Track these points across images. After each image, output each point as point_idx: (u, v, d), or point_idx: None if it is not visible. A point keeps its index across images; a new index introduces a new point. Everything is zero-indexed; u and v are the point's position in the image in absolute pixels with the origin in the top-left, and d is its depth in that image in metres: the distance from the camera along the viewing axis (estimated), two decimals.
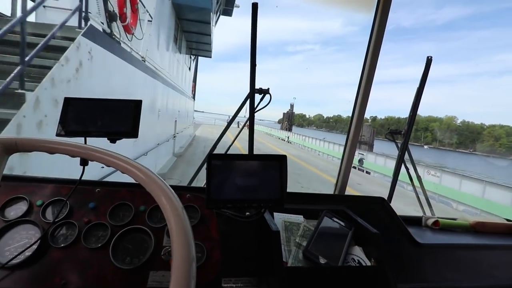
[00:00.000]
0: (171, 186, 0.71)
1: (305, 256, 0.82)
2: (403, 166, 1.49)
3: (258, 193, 0.69)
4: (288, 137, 25.19)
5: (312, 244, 0.84)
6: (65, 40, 2.72)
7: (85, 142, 0.66)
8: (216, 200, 0.66)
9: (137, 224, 0.78)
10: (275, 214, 0.93)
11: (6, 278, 0.65)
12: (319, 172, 10.78)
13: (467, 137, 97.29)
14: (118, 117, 0.71)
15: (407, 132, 1.46)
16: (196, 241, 0.77)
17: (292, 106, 36.00)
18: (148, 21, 5.34)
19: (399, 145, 1.49)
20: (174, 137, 9.72)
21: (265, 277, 0.77)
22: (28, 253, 0.67)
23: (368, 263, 0.83)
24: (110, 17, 3.40)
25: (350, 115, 1.31)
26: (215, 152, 1.03)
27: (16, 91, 2.14)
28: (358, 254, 0.86)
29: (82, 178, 0.70)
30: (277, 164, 0.70)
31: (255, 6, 1.08)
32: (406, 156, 1.48)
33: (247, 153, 1.02)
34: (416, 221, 1.26)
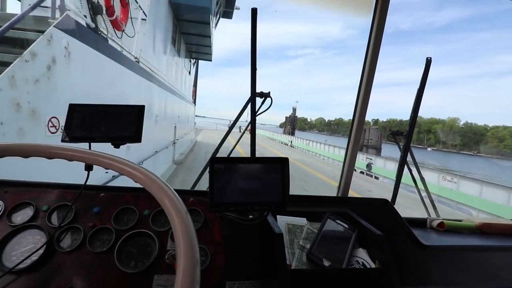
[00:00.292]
0: (174, 189, 0.68)
1: (309, 258, 0.81)
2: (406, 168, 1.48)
3: (260, 196, 0.68)
4: (291, 142, 24.68)
5: (316, 247, 0.83)
6: (35, 32, 2.28)
7: (90, 148, 0.61)
8: (219, 204, 0.66)
9: (141, 228, 0.78)
10: (278, 217, 0.93)
11: (13, 282, 0.65)
12: (326, 179, 10.25)
13: (470, 139, 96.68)
14: (122, 123, 0.71)
15: (408, 134, 1.45)
16: (200, 245, 0.72)
17: (294, 109, 35.54)
18: (142, 19, 4.92)
19: (401, 147, 1.49)
20: (174, 143, 9.28)
21: (269, 280, 0.77)
22: (34, 257, 0.68)
23: (373, 265, 0.82)
24: (94, 9, 2.96)
25: (351, 118, 1.31)
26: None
27: None
28: (362, 256, 0.85)
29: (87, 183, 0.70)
30: (279, 166, 0.70)
31: (254, 12, 1.09)
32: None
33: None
34: (421, 223, 1.24)
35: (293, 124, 33.04)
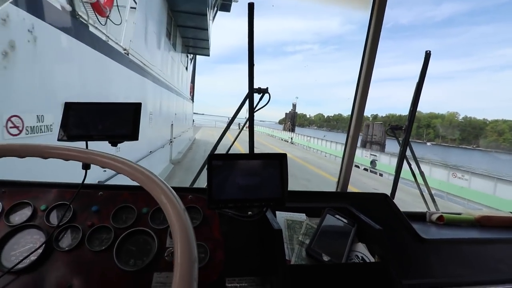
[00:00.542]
0: (173, 187, 0.69)
1: (308, 254, 0.82)
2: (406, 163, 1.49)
3: (259, 192, 0.68)
4: (291, 138, 24.26)
5: (315, 242, 0.83)
6: None
7: (87, 146, 0.65)
8: (217, 200, 0.66)
9: (140, 226, 0.78)
10: (278, 213, 0.93)
11: (12, 282, 0.65)
12: (330, 177, 9.86)
13: (469, 133, 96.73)
14: (118, 120, 0.71)
15: (408, 128, 1.46)
16: (199, 242, 0.77)
17: (294, 105, 34.98)
18: (131, 8, 4.45)
19: (401, 142, 1.50)
20: (171, 142, 8.86)
21: (268, 276, 0.77)
22: (33, 257, 0.68)
23: (372, 260, 0.83)
24: None
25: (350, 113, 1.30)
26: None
27: None
28: (362, 250, 0.85)
29: (85, 182, 0.70)
30: (277, 162, 0.70)
31: (251, 6, 1.08)
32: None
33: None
34: (420, 217, 1.25)
35: (293, 121, 32.54)
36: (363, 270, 0.78)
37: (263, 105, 1.28)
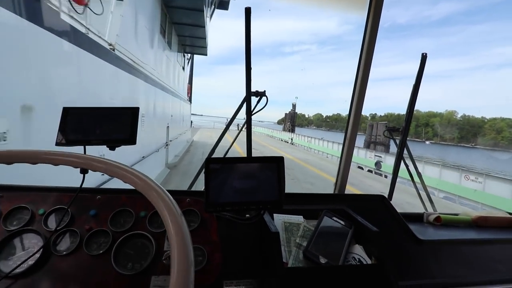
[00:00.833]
0: (171, 190, 0.81)
1: (306, 256, 0.81)
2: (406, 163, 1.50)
3: (256, 195, 0.69)
4: (291, 139, 23.77)
5: (312, 244, 0.83)
6: None
7: (85, 151, 0.67)
8: (215, 204, 0.66)
9: (138, 230, 0.78)
10: (275, 215, 0.92)
11: (10, 287, 0.65)
12: (334, 180, 9.39)
13: (468, 131, 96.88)
14: (116, 125, 0.71)
15: (405, 129, 1.47)
16: (197, 245, 0.77)
17: (294, 106, 34.48)
18: None
19: (398, 143, 1.51)
20: (167, 145, 8.39)
21: (266, 279, 0.77)
22: (31, 261, 0.67)
23: (369, 262, 0.82)
24: None
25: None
26: (214, 156, 1.01)
27: None
28: (359, 252, 0.85)
29: (83, 186, 0.70)
30: (274, 165, 0.70)
31: (248, 11, 1.09)
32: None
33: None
34: (417, 218, 1.25)
35: (293, 121, 32.06)
36: (360, 272, 0.78)
37: (260, 108, 1.27)
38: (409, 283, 0.89)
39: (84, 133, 0.70)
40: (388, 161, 11.63)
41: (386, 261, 0.78)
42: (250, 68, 1.15)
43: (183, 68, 13.29)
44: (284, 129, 32.30)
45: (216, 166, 0.67)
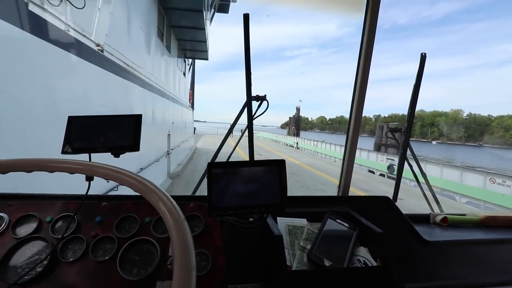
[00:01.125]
0: (175, 196, 0.80)
1: (310, 259, 0.81)
2: (407, 164, 1.49)
3: (259, 199, 0.69)
4: (297, 143, 23.19)
5: (317, 247, 0.83)
6: None
7: (90, 158, 0.66)
8: (218, 208, 0.66)
9: (143, 236, 0.78)
10: (279, 218, 0.92)
11: None
12: (354, 190, 8.83)
13: (475, 130, 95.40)
14: (120, 132, 0.73)
15: (407, 129, 1.47)
16: (201, 249, 0.78)
17: (298, 109, 34.04)
18: None
19: (400, 143, 1.50)
20: (168, 154, 7.96)
21: (270, 283, 0.77)
22: (39, 269, 0.68)
23: (374, 264, 0.81)
24: None
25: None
26: (218, 161, 1.00)
27: None
28: (364, 255, 0.84)
29: (89, 193, 0.70)
30: (276, 168, 0.71)
31: (246, 17, 1.10)
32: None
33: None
34: (424, 219, 1.23)
35: (297, 125, 31.59)
36: (365, 274, 0.76)
37: (261, 112, 1.29)
38: (416, 285, 0.88)
39: (88, 141, 0.71)
40: None
41: (392, 263, 0.77)
42: (250, 73, 1.16)
43: (184, 74, 12.94)
44: (288, 133, 31.83)
45: (218, 171, 0.68)
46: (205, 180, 0.74)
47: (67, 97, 2.63)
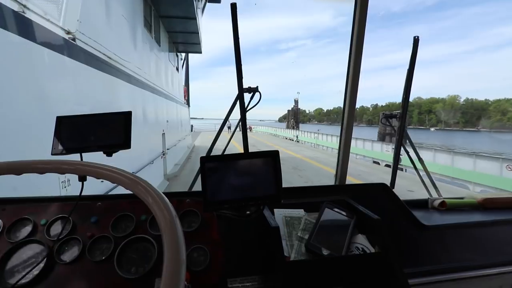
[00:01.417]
0: (171, 192, 0.91)
1: (308, 249, 0.81)
2: (404, 152, 1.52)
3: (254, 191, 0.68)
4: (297, 136, 22.74)
5: (314, 237, 0.83)
6: None
7: (81, 158, 0.67)
8: (213, 203, 0.66)
9: (140, 234, 0.78)
10: (276, 210, 0.92)
11: None
12: (358, 182, 8.38)
13: (472, 115, 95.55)
14: (110, 130, 0.72)
15: (402, 115, 1.46)
16: (199, 245, 0.78)
17: (296, 101, 33.48)
18: None
19: (396, 129, 1.52)
20: (164, 154, 7.48)
21: (269, 274, 0.78)
22: (35, 271, 0.68)
23: (373, 250, 0.82)
24: None
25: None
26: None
27: None
28: (362, 242, 0.84)
29: (83, 194, 0.70)
30: (270, 160, 0.70)
31: (234, 7, 1.08)
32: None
33: None
34: (422, 204, 1.24)
35: (296, 117, 31.09)
36: (363, 261, 0.77)
37: (254, 104, 1.28)
38: (415, 269, 0.90)
39: (79, 140, 0.71)
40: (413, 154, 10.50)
41: (390, 249, 0.77)
42: (241, 65, 1.16)
43: (177, 69, 12.35)
44: (287, 127, 31.37)
45: (212, 165, 0.68)
46: None
47: (31, 95, 2.14)
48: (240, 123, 1.25)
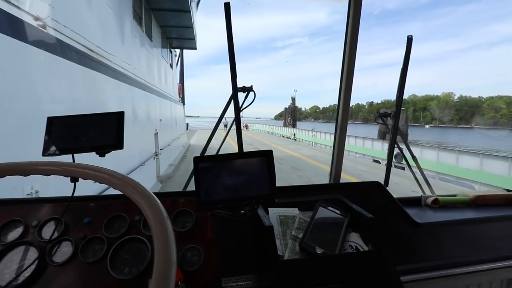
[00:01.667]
0: (165, 192, 0.91)
1: (302, 248, 0.82)
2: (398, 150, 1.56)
3: (248, 191, 0.69)
4: (294, 134, 22.40)
5: (308, 235, 0.83)
6: None
7: (73, 159, 0.66)
8: (207, 202, 0.67)
9: (133, 234, 0.77)
10: (270, 209, 0.92)
11: None
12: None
13: (466, 112, 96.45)
14: (102, 131, 0.72)
15: (396, 114, 1.48)
16: (193, 244, 0.78)
17: (293, 99, 33.06)
18: None
19: (390, 128, 1.55)
20: (157, 155, 7.08)
21: (263, 273, 0.78)
22: (27, 273, 0.67)
23: (366, 249, 0.82)
24: None
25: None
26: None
27: None
28: (356, 240, 0.85)
29: (75, 195, 0.69)
30: (264, 159, 0.70)
31: (227, 6, 1.09)
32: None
33: None
34: (415, 202, 1.26)
35: (293, 115, 30.66)
36: (356, 259, 0.77)
37: (249, 103, 1.28)
38: (408, 267, 0.92)
39: (70, 141, 0.70)
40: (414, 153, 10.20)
41: (383, 247, 0.78)
42: (235, 64, 1.17)
43: (171, 66, 11.87)
44: (285, 125, 30.96)
45: (206, 165, 0.68)
46: None
47: None
48: (235, 122, 1.26)
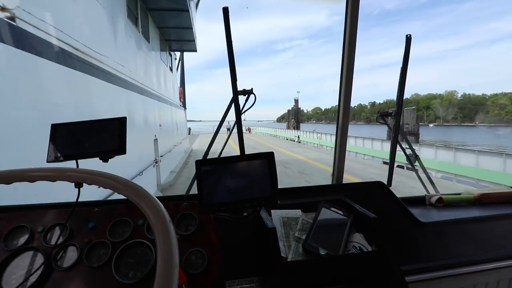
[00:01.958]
0: (168, 196, 0.91)
1: (305, 249, 0.81)
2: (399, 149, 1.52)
3: (250, 193, 0.69)
4: (298, 137, 21.94)
5: (311, 237, 0.83)
6: None
7: (77, 165, 0.67)
8: (209, 205, 0.67)
9: (137, 238, 0.78)
10: (273, 211, 0.92)
11: None
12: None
13: (470, 110, 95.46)
14: (105, 137, 0.72)
15: (397, 113, 1.47)
16: (196, 248, 0.78)
17: (296, 101, 32.67)
18: None
19: (392, 127, 1.52)
20: (156, 162, 6.69)
21: (267, 276, 0.78)
22: (33, 279, 0.68)
23: (370, 249, 0.82)
24: None
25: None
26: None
27: None
28: (359, 241, 0.84)
29: (79, 200, 0.69)
30: (265, 161, 0.71)
31: (226, 11, 1.11)
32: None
33: None
34: (419, 201, 1.25)
35: (297, 117, 30.21)
36: (360, 260, 0.77)
37: (249, 106, 1.27)
38: (413, 266, 0.90)
39: (74, 147, 0.71)
40: (423, 153, 9.60)
41: (387, 247, 0.77)
42: (235, 68, 1.18)
43: (171, 69, 11.52)
44: (288, 127, 30.55)
45: (208, 168, 0.68)
46: None
47: None
48: (236, 125, 1.28)
